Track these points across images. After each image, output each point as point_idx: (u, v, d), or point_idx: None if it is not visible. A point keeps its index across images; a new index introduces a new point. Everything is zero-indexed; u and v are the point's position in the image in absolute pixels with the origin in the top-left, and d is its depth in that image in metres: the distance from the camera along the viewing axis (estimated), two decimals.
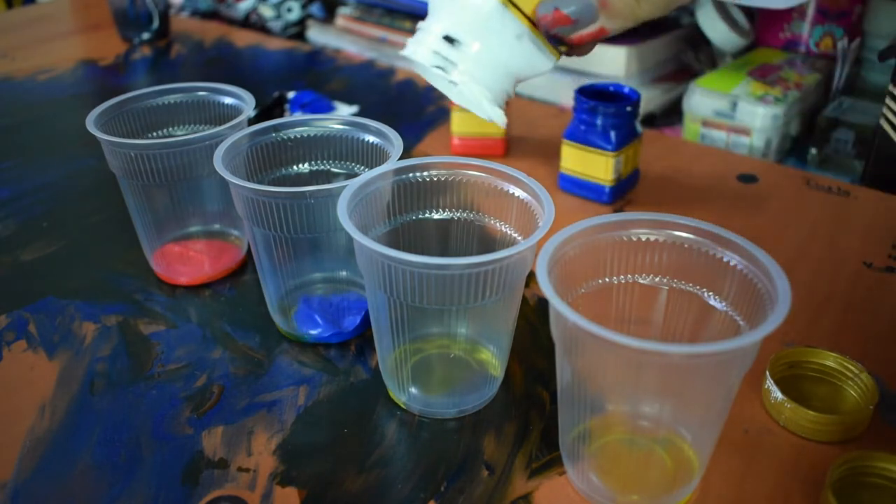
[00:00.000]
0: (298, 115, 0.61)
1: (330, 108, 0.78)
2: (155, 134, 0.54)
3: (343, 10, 1.06)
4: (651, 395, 0.36)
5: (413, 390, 0.43)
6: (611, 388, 0.36)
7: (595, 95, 0.61)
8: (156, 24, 1.02)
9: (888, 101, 0.64)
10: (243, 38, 1.05)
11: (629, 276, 0.39)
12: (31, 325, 0.50)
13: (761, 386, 0.43)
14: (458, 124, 0.69)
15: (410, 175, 0.43)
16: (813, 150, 0.73)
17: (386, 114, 0.79)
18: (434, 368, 0.45)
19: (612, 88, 0.62)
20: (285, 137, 0.48)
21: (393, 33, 1.00)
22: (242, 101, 0.52)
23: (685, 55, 0.87)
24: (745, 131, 0.73)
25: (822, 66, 0.80)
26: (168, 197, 0.52)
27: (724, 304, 0.36)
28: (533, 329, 0.49)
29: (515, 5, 0.30)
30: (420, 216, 0.45)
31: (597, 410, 0.37)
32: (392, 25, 1.00)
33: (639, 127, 0.62)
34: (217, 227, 0.56)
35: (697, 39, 0.86)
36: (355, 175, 0.48)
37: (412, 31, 1.05)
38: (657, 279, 0.38)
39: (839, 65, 0.77)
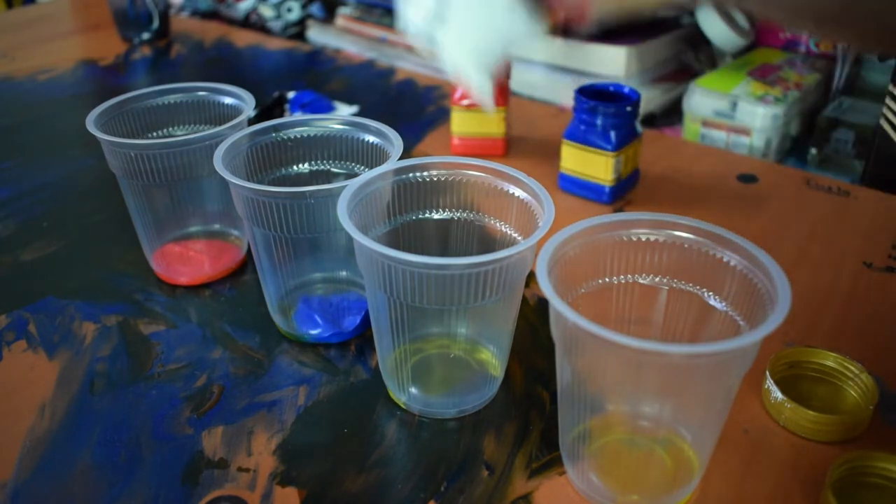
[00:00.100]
0: (298, 115, 0.61)
1: (330, 108, 0.78)
2: (155, 134, 0.54)
3: (343, 10, 1.06)
4: (651, 395, 0.36)
5: (413, 390, 0.43)
6: (611, 388, 0.36)
7: (595, 95, 0.61)
8: (156, 24, 1.02)
9: (888, 101, 0.64)
10: (243, 38, 1.05)
11: (629, 276, 0.39)
12: (31, 325, 0.50)
13: (761, 386, 0.43)
14: (458, 124, 0.69)
15: (410, 175, 0.43)
16: (813, 150, 0.73)
17: (386, 114, 0.79)
18: (434, 368, 0.45)
19: (612, 88, 0.62)
20: (285, 137, 0.48)
21: (393, 33, 1.00)
22: (242, 101, 0.52)
23: (685, 55, 0.87)
24: (745, 131, 0.73)
25: (822, 65, 0.80)
26: (168, 197, 0.52)
27: (724, 304, 0.36)
28: (533, 329, 0.49)
29: None
30: (420, 216, 0.45)
31: (597, 410, 0.37)
32: (392, 25, 1.00)
33: (639, 127, 0.62)
34: (217, 227, 0.56)
35: (697, 39, 0.86)
36: (355, 175, 0.48)
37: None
38: (657, 279, 0.38)
39: (839, 65, 0.77)
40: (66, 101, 0.85)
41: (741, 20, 0.83)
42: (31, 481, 0.39)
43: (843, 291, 0.51)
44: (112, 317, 0.50)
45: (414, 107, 0.82)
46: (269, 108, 0.76)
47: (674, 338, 0.39)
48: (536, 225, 0.38)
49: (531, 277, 0.49)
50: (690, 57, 0.87)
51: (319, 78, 0.91)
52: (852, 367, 0.43)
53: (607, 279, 0.39)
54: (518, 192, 0.41)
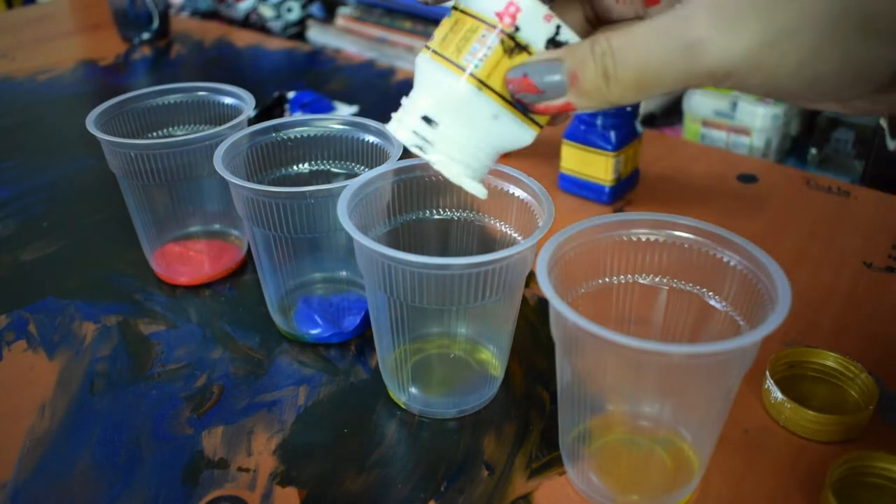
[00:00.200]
0: (298, 115, 0.61)
1: (330, 108, 0.78)
2: (155, 134, 0.54)
3: (343, 10, 1.06)
4: (651, 395, 0.36)
5: (413, 390, 0.43)
6: (611, 388, 0.36)
7: None
8: (156, 24, 1.02)
9: None
10: (243, 38, 1.05)
11: (629, 276, 0.39)
12: (31, 325, 0.50)
13: (761, 386, 0.43)
14: None
15: (410, 175, 0.43)
16: (813, 150, 0.73)
17: (386, 114, 0.79)
18: (434, 368, 0.45)
19: None
20: (285, 137, 0.48)
21: (393, 33, 1.00)
22: (242, 101, 0.52)
23: None
24: (745, 131, 0.73)
25: None
26: (168, 197, 0.52)
27: (724, 304, 0.36)
28: (533, 329, 0.49)
29: (488, 86, 0.30)
30: (420, 216, 0.45)
31: (597, 410, 0.37)
32: (392, 25, 1.00)
33: (639, 127, 0.62)
34: (217, 227, 0.56)
35: None
36: (355, 175, 0.48)
37: (412, 31, 1.06)
38: (657, 279, 0.38)
39: None
40: (66, 101, 0.85)
41: None
42: (31, 481, 0.39)
43: (843, 291, 0.51)
44: (112, 317, 0.50)
45: None
46: (269, 108, 0.76)
47: (674, 338, 0.39)
48: (536, 225, 0.38)
49: (531, 277, 0.49)
50: None
51: (319, 78, 0.91)
52: (852, 367, 0.43)
53: (607, 279, 0.39)
54: (518, 192, 0.41)
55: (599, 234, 0.37)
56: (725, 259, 0.36)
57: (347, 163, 0.49)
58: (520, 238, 0.42)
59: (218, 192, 0.53)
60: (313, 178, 0.50)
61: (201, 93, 0.55)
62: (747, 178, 0.66)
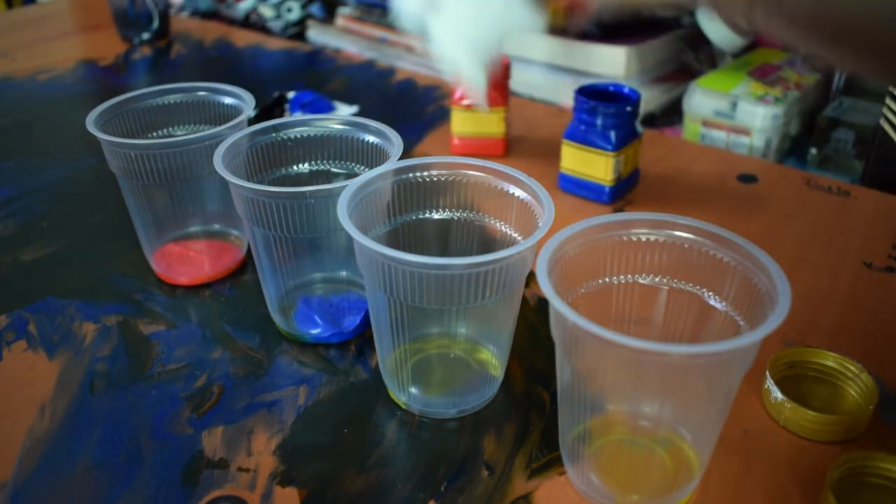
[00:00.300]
0: (298, 115, 0.61)
1: (330, 108, 0.78)
2: (155, 134, 0.54)
3: (343, 10, 1.06)
4: (651, 395, 0.36)
5: (413, 390, 0.43)
6: (611, 388, 0.36)
7: (595, 95, 0.61)
8: (156, 24, 1.02)
9: (888, 101, 0.64)
10: (243, 38, 1.05)
11: (629, 276, 0.39)
12: (31, 325, 0.50)
13: (761, 386, 0.43)
14: (458, 124, 0.69)
15: (410, 175, 0.43)
16: (813, 150, 0.73)
17: (386, 114, 0.79)
18: (434, 368, 0.45)
19: (612, 88, 0.62)
20: (285, 137, 0.48)
21: (393, 33, 1.00)
22: (242, 101, 0.52)
23: (685, 55, 0.87)
24: (745, 131, 0.73)
25: (822, 66, 0.80)
26: (168, 197, 0.52)
27: (724, 304, 0.36)
28: (533, 329, 0.49)
29: None
30: (420, 216, 0.45)
31: (597, 410, 0.37)
32: (392, 25, 1.00)
33: (639, 127, 0.62)
34: (217, 227, 0.56)
35: (697, 39, 0.86)
36: (355, 175, 0.48)
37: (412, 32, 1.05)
38: (657, 279, 0.38)
39: None
40: (66, 101, 0.85)
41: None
42: (31, 481, 0.38)
43: (843, 291, 0.51)
44: (112, 317, 0.50)
45: (414, 107, 0.82)
46: (269, 108, 0.76)
47: (674, 338, 0.39)
48: (536, 225, 0.38)
49: (531, 277, 0.49)
50: (690, 57, 0.87)
51: (319, 78, 0.91)
52: (852, 367, 0.43)
53: (607, 279, 0.39)
54: (518, 192, 0.41)
55: (599, 234, 0.37)
56: (725, 259, 0.36)
57: (347, 163, 0.49)
58: (520, 238, 0.42)
59: (218, 192, 0.53)
60: (313, 178, 0.50)
61: (201, 93, 0.55)
62: (747, 178, 0.66)
